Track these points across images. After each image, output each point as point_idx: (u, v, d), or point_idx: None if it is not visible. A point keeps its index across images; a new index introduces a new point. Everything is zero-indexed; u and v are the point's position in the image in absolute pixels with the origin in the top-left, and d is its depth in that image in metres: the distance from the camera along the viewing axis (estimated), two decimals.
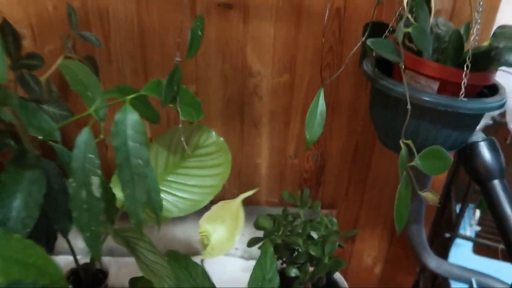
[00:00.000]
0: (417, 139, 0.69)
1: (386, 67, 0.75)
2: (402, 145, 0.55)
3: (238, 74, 0.90)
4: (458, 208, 1.21)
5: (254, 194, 0.82)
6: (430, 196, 0.55)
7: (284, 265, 0.84)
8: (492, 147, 0.77)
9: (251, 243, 0.90)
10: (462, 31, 0.72)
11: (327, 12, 0.83)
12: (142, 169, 0.56)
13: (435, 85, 0.69)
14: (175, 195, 0.76)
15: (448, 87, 0.68)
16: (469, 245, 1.32)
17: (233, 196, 0.77)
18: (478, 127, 0.86)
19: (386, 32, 0.71)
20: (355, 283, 1.22)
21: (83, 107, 0.60)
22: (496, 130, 1.12)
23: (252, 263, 0.75)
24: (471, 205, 1.37)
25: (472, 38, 0.70)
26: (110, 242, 0.74)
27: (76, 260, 0.80)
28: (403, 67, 0.57)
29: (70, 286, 0.88)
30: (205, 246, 0.56)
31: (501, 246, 1.21)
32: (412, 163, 0.54)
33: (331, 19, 0.85)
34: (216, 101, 0.93)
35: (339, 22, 0.86)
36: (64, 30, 0.82)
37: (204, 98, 0.92)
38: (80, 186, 0.57)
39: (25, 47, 0.82)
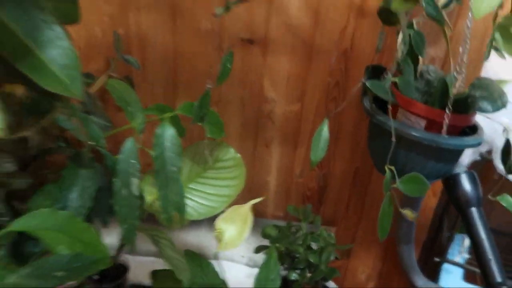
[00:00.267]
0: (406, 168, 0.81)
1: (383, 104, 0.87)
2: (387, 169, 0.67)
3: (255, 100, 1.04)
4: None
5: (261, 207, 0.93)
6: (409, 214, 0.66)
7: (286, 272, 0.95)
8: (472, 179, 0.89)
9: (258, 250, 1.02)
10: (451, 77, 0.85)
11: (334, 58, 0.96)
12: (175, 175, 0.68)
13: (423, 123, 0.81)
14: (195, 201, 0.88)
15: (434, 125, 0.80)
16: (459, 272, 1.41)
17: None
18: (466, 163, 0.97)
19: (384, 74, 0.84)
20: None
21: (120, 120, 0.73)
22: (483, 166, 1.23)
23: (256, 270, 0.86)
24: (463, 234, 1.47)
25: (457, 85, 0.82)
26: None
27: None
28: (389, 107, 0.69)
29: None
30: (219, 241, 0.68)
31: None
32: (394, 185, 0.66)
33: (339, 58, 0.99)
34: (234, 122, 1.06)
35: (345, 61, 0.99)
36: (109, 52, 0.96)
37: (224, 118, 1.04)
38: (122, 185, 0.69)
39: None
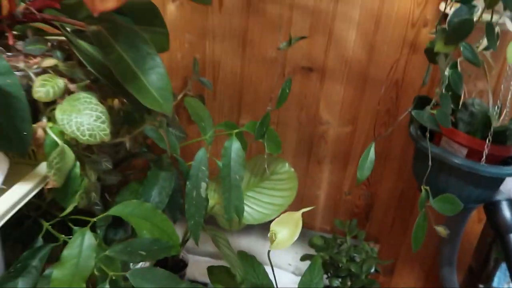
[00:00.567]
0: (446, 191, 0.88)
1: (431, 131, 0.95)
2: (423, 189, 0.76)
3: (310, 121, 1.14)
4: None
5: (310, 219, 1.03)
6: (442, 231, 0.74)
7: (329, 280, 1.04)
8: None
9: (304, 258, 1.11)
10: (494, 111, 0.91)
11: (383, 88, 1.05)
12: (238, 182, 0.80)
13: (465, 151, 0.88)
14: (251, 207, 1.00)
15: (475, 154, 0.87)
16: None
17: None
18: None
19: (430, 104, 0.92)
20: None
21: (191, 131, 0.86)
22: None
23: None
24: None
25: (502, 117, 0.89)
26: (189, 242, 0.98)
27: None
28: (428, 134, 0.78)
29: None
30: (272, 241, 0.78)
31: None
32: (429, 203, 0.74)
33: (391, 88, 1.08)
34: (290, 140, 1.17)
35: (396, 90, 1.08)
36: (186, 73, 1.11)
37: (281, 136, 1.16)
38: (192, 187, 0.82)
39: None
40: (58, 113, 0.64)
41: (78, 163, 0.68)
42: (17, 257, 0.65)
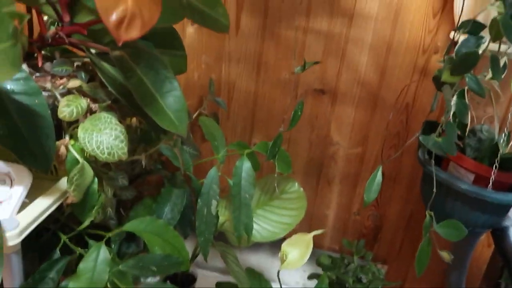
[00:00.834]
0: (453, 216, 0.90)
1: (437, 156, 0.96)
2: (427, 214, 0.77)
3: (321, 142, 1.17)
4: None
5: (318, 238, 1.05)
6: (446, 256, 0.75)
7: None
8: None
9: (311, 276, 1.13)
10: (502, 138, 0.93)
11: (391, 113, 1.07)
12: (248, 201, 0.83)
13: (472, 177, 0.90)
14: (260, 225, 1.02)
15: (482, 180, 0.89)
16: None
17: None
18: None
19: (439, 128, 0.94)
20: None
21: (203, 149, 0.89)
22: None
23: None
24: None
25: (510, 144, 0.90)
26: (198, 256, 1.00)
27: None
28: (433, 161, 0.80)
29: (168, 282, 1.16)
30: (283, 261, 0.80)
31: None
32: (432, 229, 0.76)
33: (401, 111, 1.10)
34: (301, 159, 1.20)
35: (406, 114, 1.10)
36: (202, 93, 1.15)
37: (292, 156, 1.19)
38: (203, 205, 0.85)
39: None
40: (80, 132, 0.67)
41: (96, 180, 0.71)
42: (36, 268, 0.69)
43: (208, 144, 1.13)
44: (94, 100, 0.74)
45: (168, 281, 1.15)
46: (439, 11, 0.99)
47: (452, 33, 0.98)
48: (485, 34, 0.77)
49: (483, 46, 0.77)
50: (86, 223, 0.70)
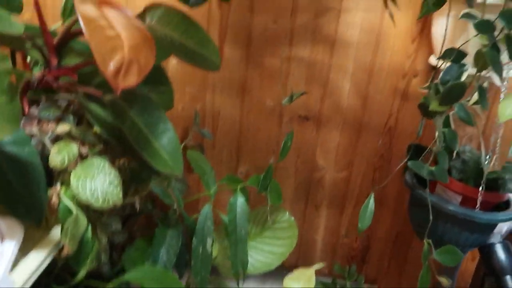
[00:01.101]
0: (444, 237, 0.92)
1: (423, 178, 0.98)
2: (425, 242, 0.78)
3: (307, 167, 1.17)
4: None
5: (308, 263, 1.04)
6: (445, 281, 0.76)
7: None
8: (506, 249, 0.97)
9: None
10: (485, 159, 0.95)
11: (380, 141, 1.09)
12: (243, 237, 0.82)
13: (459, 198, 0.92)
14: (253, 257, 1.01)
15: (469, 201, 0.91)
16: None
17: (292, 263, 1.00)
18: (504, 231, 1.05)
19: (431, 156, 0.96)
20: None
21: (191, 180, 0.88)
22: None
23: None
24: None
25: (491, 164, 0.93)
26: None
27: None
28: (428, 190, 0.81)
29: None
30: None
31: None
32: (432, 256, 0.77)
33: (384, 134, 1.12)
34: (288, 186, 1.20)
35: (390, 137, 1.12)
36: (186, 124, 1.13)
37: (279, 183, 1.19)
38: (199, 243, 0.84)
39: None
40: (72, 180, 0.65)
41: (89, 227, 0.69)
42: None
43: (195, 176, 1.12)
44: (83, 142, 0.72)
45: None
46: (417, 37, 1.02)
47: (432, 58, 1.01)
48: (466, 61, 0.80)
49: (465, 73, 0.80)
50: (82, 274, 0.67)
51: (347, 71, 1.06)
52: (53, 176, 0.69)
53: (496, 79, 0.86)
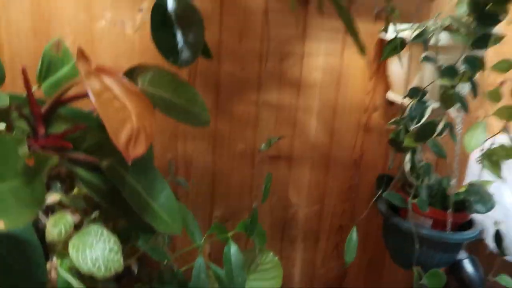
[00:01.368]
0: (420, 259, 0.98)
1: (394, 206, 1.05)
2: (415, 271, 0.84)
3: (281, 204, 1.20)
4: None
5: None
6: None
7: None
8: (474, 263, 1.05)
9: None
10: (446, 182, 1.04)
11: (352, 173, 1.15)
12: (241, 284, 0.82)
13: (430, 221, 0.99)
14: None
15: (439, 223, 0.98)
16: None
17: None
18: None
19: (393, 181, 1.03)
20: None
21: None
22: (477, 244, 1.40)
23: None
24: None
25: (452, 187, 1.02)
26: None
27: None
28: (411, 218, 0.87)
29: None
30: None
31: None
32: (421, 282, 0.82)
33: (351, 167, 1.18)
34: (264, 225, 1.22)
35: (356, 168, 1.18)
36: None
37: None
38: None
39: None
40: (71, 252, 0.63)
41: None
42: None
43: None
44: (75, 210, 0.70)
45: None
46: (374, 75, 1.10)
47: (389, 93, 1.10)
48: (428, 98, 0.89)
49: (428, 109, 0.88)
50: None
51: (313, 110, 1.12)
52: (47, 248, 0.66)
53: (454, 114, 0.95)
